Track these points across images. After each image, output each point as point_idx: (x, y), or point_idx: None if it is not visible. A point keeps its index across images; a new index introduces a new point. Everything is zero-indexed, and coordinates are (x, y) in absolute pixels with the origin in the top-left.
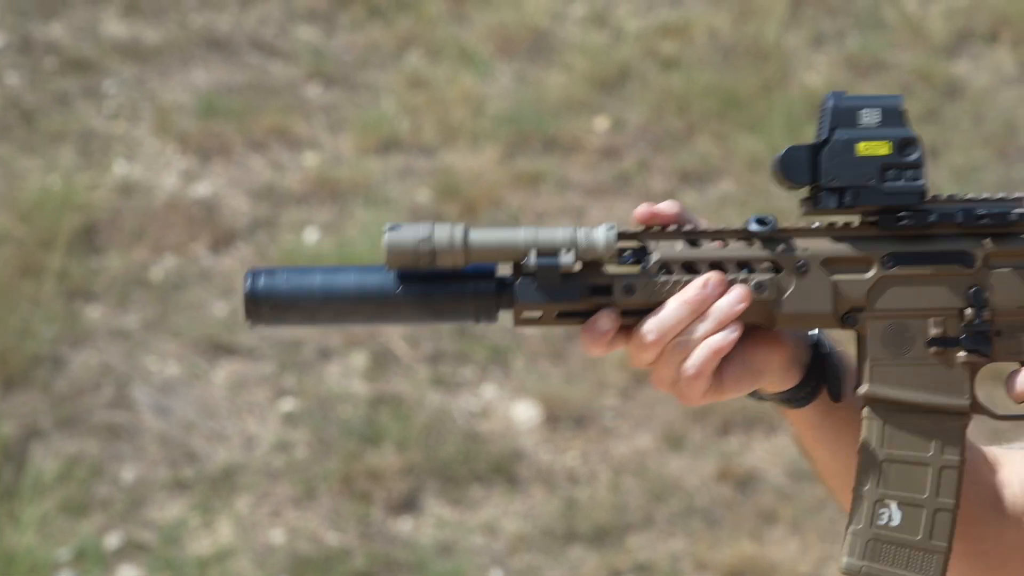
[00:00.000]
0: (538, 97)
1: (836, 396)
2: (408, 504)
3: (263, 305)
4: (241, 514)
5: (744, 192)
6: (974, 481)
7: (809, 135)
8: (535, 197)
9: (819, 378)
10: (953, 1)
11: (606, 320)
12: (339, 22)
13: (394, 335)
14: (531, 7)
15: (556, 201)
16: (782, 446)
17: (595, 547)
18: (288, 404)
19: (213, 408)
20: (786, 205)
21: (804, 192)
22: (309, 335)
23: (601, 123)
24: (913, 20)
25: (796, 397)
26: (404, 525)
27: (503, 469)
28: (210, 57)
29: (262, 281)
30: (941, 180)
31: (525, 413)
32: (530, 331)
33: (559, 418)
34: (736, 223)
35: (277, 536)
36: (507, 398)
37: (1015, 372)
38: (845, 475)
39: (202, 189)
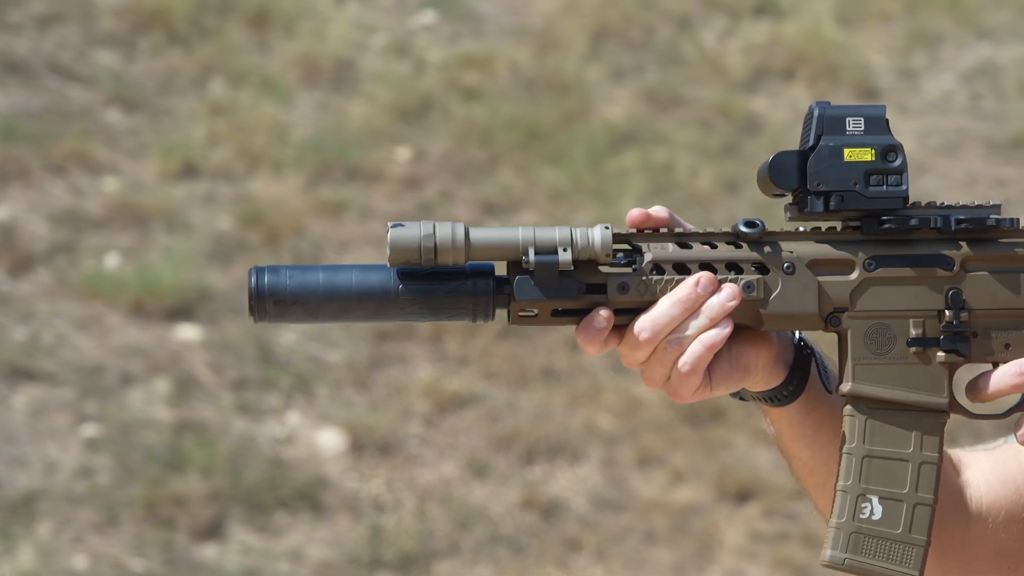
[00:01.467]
0: (341, 126)
1: (830, 388)
2: (213, 530)
3: (267, 301)
4: (42, 540)
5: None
6: (942, 479)
7: (611, 168)
8: (338, 225)
9: (802, 376)
10: (751, 38)
11: (602, 318)
12: (139, 47)
13: (197, 361)
14: (333, 36)
15: (359, 230)
16: (585, 475)
17: (401, 574)
18: (90, 430)
19: (13, 433)
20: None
21: (788, 198)
22: (109, 360)
23: (403, 153)
24: (711, 56)
25: (780, 395)
26: (209, 551)
27: (308, 496)
28: (8, 80)
29: (266, 278)
30: (741, 213)
31: (330, 440)
32: (334, 358)
33: (364, 445)
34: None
35: (79, 562)
36: (312, 425)
37: (982, 375)
38: (823, 472)
39: (0, 213)
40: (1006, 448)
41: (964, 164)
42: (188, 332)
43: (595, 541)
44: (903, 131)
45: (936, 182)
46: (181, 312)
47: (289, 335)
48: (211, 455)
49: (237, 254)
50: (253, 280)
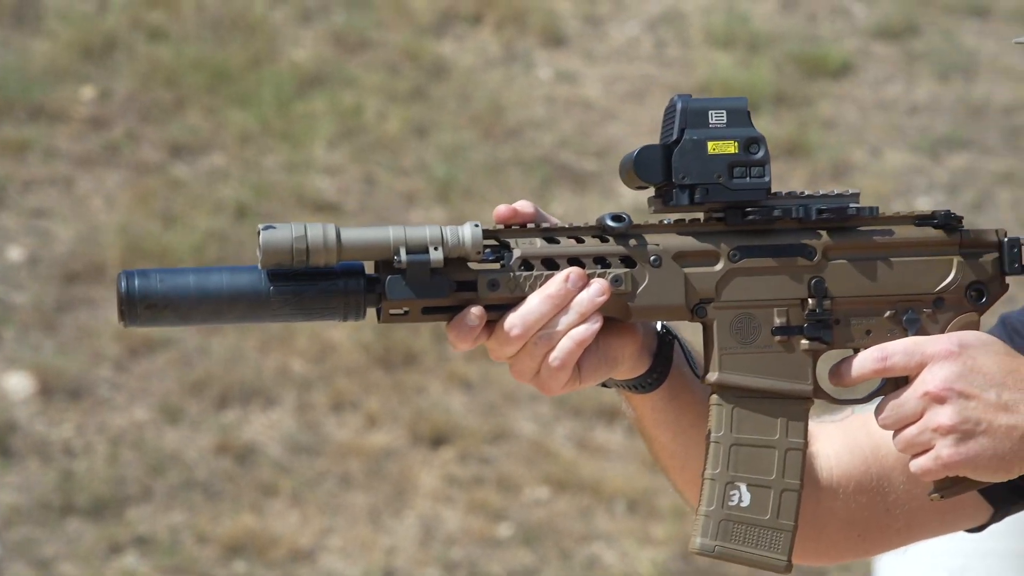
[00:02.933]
0: (23, 64)
1: (699, 374)
2: None
3: (138, 306)
4: None
5: (236, 165)
6: None
7: (299, 110)
8: (22, 166)
9: (665, 364)
10: None
11: (474, 315)
12: None
13: None
14: None
15: (44, 170)
16: (279, 419)
17: (93, 520)
18: None
19: None
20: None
21: (650, 191)
22: None
23: (88, 92)
24: (399, 0)
25: (644, 383)
26: None
27: None
28: None
29: (136, 282)
30: (430, 158)
31: (18, 384)
32: (20, 300)
33: (53, 389)
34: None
35: None
36: None
37: (844, 361)
38: (683, 456)
39: None
40: (854, 419)
41: (650, 111)
42: None
43: (290, 485)
44: (590, 77)
45: (623, 128)
46: None
47: None
48: None
49: None
50: (123, 284)
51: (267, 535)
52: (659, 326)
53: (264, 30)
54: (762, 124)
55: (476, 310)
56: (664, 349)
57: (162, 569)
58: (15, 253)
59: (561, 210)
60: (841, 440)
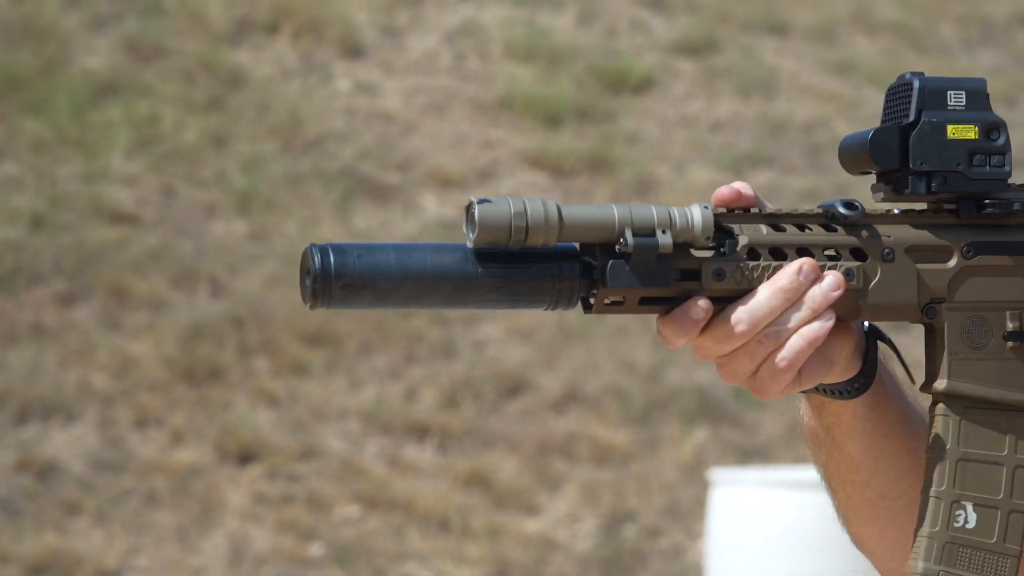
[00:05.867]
0: None
1: (913, 379)
2: None
3: (334, 284)
4: None
5: (30, 174)
6: None
7: (94, 119)
8: None
9: (872, 368)
10: None
11: (701, 308)
12: None
13: None
14: None
15: None
16: (81, 435)
17: None
18: None
19: None
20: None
21: (872, 177)
22: None
23: None
24: (193, 7)
25: (850, 388)
26: None
27: None
28: None
29: (332, 258)
30: (229, 169)
31: None
32: None
33: None
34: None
35: None
36: None
37: None
38: (870, 469)
39: None
40: None
41: (451, 125)
42: None
43: (94, 504)
44: (389, 89)
45: (424, 141)
46: None
47: None
48: None
49: None
50: (317, 260)
51: (72, 554)
52: (865, 325)
53: (56, 36)
54: (564, 139)
55: (703, 302)
56: (871, 351)
57: None
58: None
59: (364, 223)
60: None
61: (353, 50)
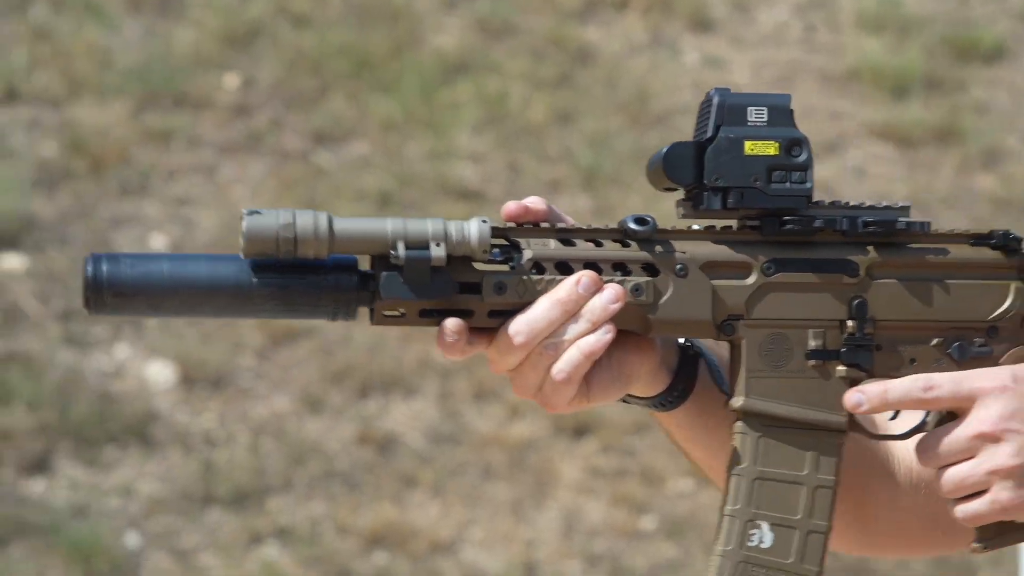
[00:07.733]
0: (167, 52)
1: (727, 391)
2: (40, 465)
3: (105, 293)
4: None
5: (379, 153)
6: (864, 449)
7: (443, 98)
8: (166, 154)
9: (688, 380)
10: None
11: (448, 327)
12: None
13: (21, 291)
14: None
15: (188, 158)
16: (420, 409)
17: (234, 510)
18: None
19: None
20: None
21: (679, 193)
22: None
23: (232, 80)
24: None
25: (664, 402)
26: (36, 486)
27: (138, 430)
28: None
29: (105, 267)
30: (575, 146)
31: (160, 373)
32: None
33: (195, 378)
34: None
35: None
36: (141, 358)
37: (873, 383)
38: (722, 471)
39: None
40: None
41: (798, 97)
42: (12, 261)
43: (431, 477)
44: (738, 62)
45: None
46: (5, 241)
47: None
48: (38, 388)
49: (62, 182)
50: (90, 269)
51: (408, 527)
52: (681, 340)
53: (408, 17)
54: (912, 110)
55: (452, 321)
56: (687, 365)
57: (302, 560)
58: (159, 241)
59: None
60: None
61: (702, 24)
